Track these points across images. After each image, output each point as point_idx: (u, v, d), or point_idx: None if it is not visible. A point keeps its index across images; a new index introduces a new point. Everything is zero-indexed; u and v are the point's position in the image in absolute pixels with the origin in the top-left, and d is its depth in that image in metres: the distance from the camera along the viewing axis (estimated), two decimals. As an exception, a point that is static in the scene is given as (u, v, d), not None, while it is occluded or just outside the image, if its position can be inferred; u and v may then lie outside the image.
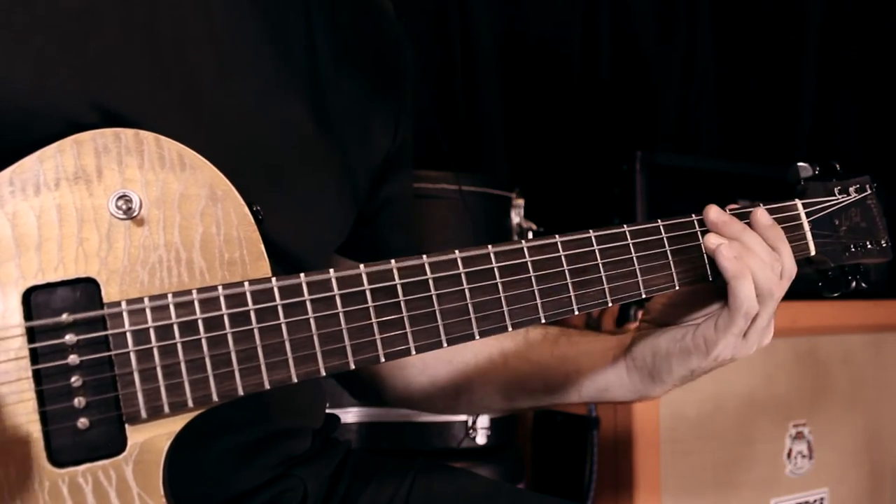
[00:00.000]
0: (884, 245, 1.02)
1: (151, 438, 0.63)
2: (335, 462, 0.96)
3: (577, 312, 0.79)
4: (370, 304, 0.69)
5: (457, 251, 0.73)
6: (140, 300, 0.63)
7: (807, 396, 1.91)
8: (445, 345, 0.72)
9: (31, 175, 0.63)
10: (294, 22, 0.88)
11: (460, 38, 2.26)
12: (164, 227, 0.66)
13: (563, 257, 0.79)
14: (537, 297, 0.77)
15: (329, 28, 0.91)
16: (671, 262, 0.85)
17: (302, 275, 0.67)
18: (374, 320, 0.69)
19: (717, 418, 1.76)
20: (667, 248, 0.85)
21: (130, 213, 0.64)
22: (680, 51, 2.61)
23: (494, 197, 1.74)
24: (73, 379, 0.61)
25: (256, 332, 0.66)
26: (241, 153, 0.78)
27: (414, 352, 0.71)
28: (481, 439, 1.66)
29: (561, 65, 2.43)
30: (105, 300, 0.63)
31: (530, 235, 1.78)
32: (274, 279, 0.67)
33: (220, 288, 0.65)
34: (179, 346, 0.64)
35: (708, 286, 0.89)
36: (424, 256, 0.72)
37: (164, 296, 0.64)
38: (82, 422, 0.61)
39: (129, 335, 0.62)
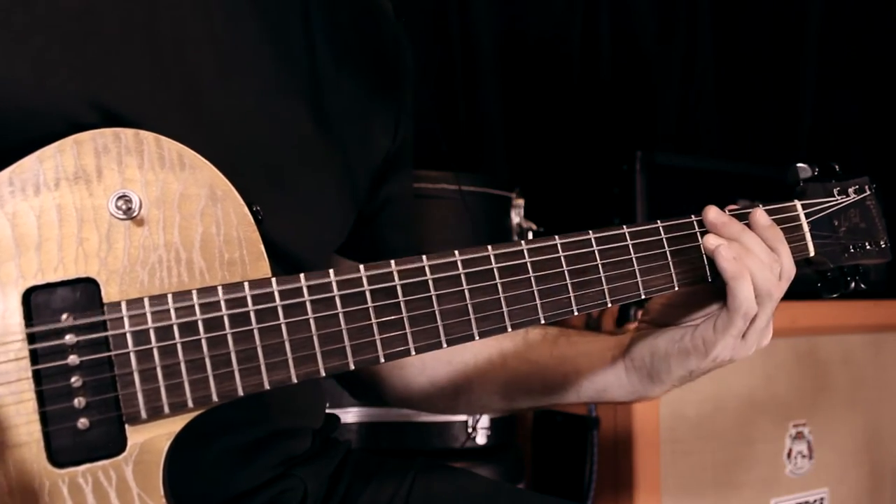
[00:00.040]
0: (883, 246, 1.02)
1: (151, 439, 0.63)
2: (335, 462, 0.96)
3: (576, 313, 0.79)
4: (370, 304, 0.69)
5: (456, 252, 0.73)
6: (140, 301, 0.63)
7: (807, 396, 1.91)
8: (445, 345, 0.72)
9: (30, 175, 0.63)
10: (294, 22, 0.88)
11: (460, 38, 2.26)
12: (163, 228, 0.66)
13: (562, 258, 0.79)
14: (537, 298, 0.77)
15: (329, 28, 0.91)
16: (670, 263, 0.85)
17: (302, 275, 0.68)
18: (373, 321, 0.69)
19: (717, 418, 1.76)
20: (666, 248, 0.85)
21: (130, 213, 0.64)
22: (680, 51, 2.61)
23: (494, 197, 1.74)
24: (72, 379, 0.61)
25: (256, 332, 0.66)
26: (240, 153, 0.78)
27: (413, 352, 0.71)
28: (481, 439, 1.65)
29: (561, 65, 2.43)
30: (105, 300, 0.63)
31: (530, 235, 1.78)
32: (274, 280, 0.67)
33: (219, 288, 0.65)
34: (179, 347, 0.64)
35: (707, 287, 0.89)
36: (424, 257, 0.72)
37: (163, 296, 0.64)
38: (82, 422, 0.61)
39: (128, 336, 0.63)
